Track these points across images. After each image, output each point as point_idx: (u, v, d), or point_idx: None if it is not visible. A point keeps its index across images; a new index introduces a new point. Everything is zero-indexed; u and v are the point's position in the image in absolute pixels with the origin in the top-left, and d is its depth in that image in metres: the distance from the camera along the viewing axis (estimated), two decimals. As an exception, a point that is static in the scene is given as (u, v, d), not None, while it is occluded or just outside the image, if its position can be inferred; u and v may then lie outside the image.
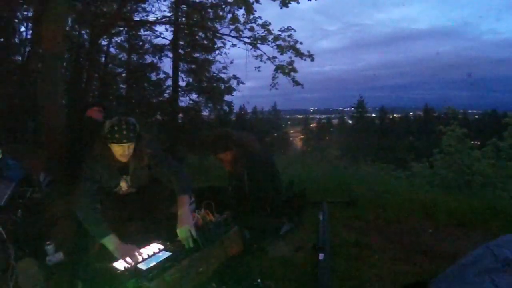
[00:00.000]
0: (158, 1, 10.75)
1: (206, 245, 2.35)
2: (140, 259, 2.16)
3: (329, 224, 3.46)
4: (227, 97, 12.07)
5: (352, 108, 46.64)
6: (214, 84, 11.72)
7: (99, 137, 2.47)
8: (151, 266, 2.05)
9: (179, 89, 11.62)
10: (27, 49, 9.36)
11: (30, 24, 9.32)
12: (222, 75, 11.66)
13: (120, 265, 2.09)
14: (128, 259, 2.14)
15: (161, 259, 2.14)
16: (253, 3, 8.94)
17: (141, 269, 2.03)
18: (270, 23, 9.69)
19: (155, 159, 2.60)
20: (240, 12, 9.63)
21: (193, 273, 2.18)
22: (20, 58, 9.69)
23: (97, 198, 2.44)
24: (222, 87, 11.72)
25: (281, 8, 8.92)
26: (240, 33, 10.06)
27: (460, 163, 8.30)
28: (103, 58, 11.90)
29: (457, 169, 8.23)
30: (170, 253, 2.20)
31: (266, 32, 9.77)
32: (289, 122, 73.44)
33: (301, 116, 77.49)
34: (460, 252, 2.58)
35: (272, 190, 3.52)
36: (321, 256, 2.70)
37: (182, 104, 11.91)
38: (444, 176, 7.89)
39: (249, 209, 3.27)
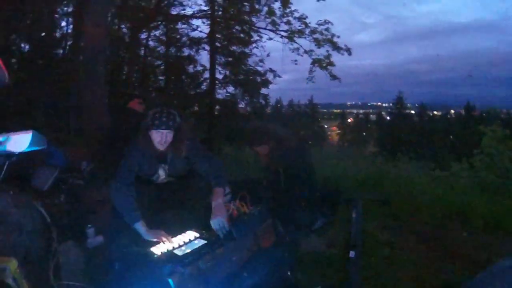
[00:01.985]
0: (195, -5, 10.90)
1: (239, 236, 2.40)
2: (168, 242, 2.24)
3: (362, 222, 3.43)
4: (263, 90, 12.13)
5: (391, 104, 45.31)
6: (251, 77, 11.77)
7: (141, 126, 2.57)
8: (187, 253, 2.12)
9: (216, 82, 11.75)
10: (68, 43, 9.77)
11: (70, 19, 9.70)
12: (258, 68, 11.71)
13: (157, 250, 2.17)
14: (164, 244, 2.23)
15: (196, 247, 2.20)
16: (289, -4, 8.91)
17: (177, 255, 2.10)
18: (307, 16, 9.62)
19: (192, 151, 2.67)
20: (276, 5, 9.64)
21: (226, 262, 2.24)
22: (61, 51, 10.12)
23: (132, 186, 2.54)
24: (258, 80, 11.76)
25: (317, 0, 8.84)
26: (277, 26, 10.05)
27: (500, 166, 7.87)
28: (142, 51, 12.24)
29: (497, 171, 7.80)
30: (205, 241, 2.26)
31: (303, 25, 9.70)
32: (325, 116, 72.31)
33: (338, 111, 76.29)
34: (494, 259, 2.51)
35: (307, 186, 3.51)
36: (352, 254, 2.69)
37: (219, 96, 12.08)
38: (483, 178, 7.50)
39: (283, 202, 3.29)
